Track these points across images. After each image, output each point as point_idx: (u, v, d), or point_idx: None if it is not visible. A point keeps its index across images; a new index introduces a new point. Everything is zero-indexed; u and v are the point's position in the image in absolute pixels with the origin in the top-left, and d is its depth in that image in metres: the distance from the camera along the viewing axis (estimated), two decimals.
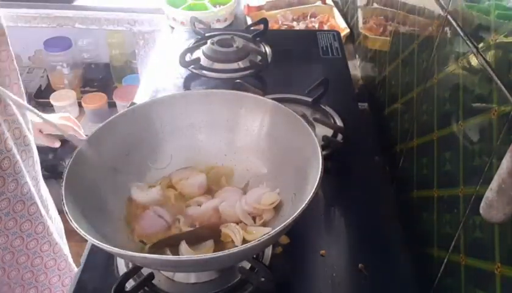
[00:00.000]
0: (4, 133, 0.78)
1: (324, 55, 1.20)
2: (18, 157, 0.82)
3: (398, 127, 0.93)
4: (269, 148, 0.74)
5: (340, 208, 0.79)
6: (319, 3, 1.54)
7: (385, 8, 1.10)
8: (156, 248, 0.63)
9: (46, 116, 1.02)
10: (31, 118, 0.92)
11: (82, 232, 0.53)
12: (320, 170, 0.59)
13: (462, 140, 0.62)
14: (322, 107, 0.98)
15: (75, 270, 1.00)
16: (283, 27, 1.43)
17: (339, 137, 0.89)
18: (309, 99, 0.98)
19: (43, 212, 0.89)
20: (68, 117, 1.04)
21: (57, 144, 1.03)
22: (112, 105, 1.84)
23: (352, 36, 1.40)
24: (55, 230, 0.95)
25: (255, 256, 0.64)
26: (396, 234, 0.75)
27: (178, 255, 0.62)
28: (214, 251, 0.63)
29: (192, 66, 1.10)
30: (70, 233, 1.48)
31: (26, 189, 0.83)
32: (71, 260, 1.00)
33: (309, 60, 1.19)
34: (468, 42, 0.63)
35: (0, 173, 0.78)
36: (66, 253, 0.98)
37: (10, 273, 0.87)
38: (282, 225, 0.53)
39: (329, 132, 0.89)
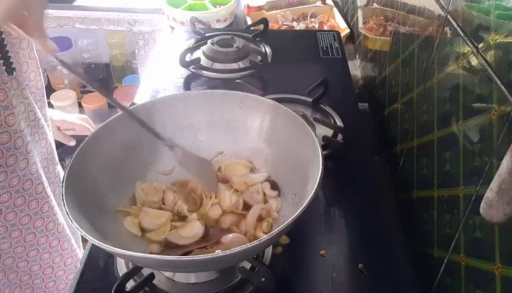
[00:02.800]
0: (19, 114, 0.81)
1: (324, 55, 1.20)
2: (30, 138, 0.85)
3: (398, 127, 0.93)
4: (269, 148, 0.74)
5: (340, 208, 0.79)
6: (319, 3, 1.55)
7: (385, 8, 1.10)
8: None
9: (66, 115, 1.08)
10: (50, 115, 0.97)
11: (82, 232, 0.53)
12: (320, 170, 0.59)
13: (462, 140, 0.62)
14: (322, 107, 0.98)
15: (77, 251, 1.03)
16: (283, 27, 1.43)
17: (339, 137, 0.89)
18: (309, 99, 0.98)
19: (49, 191, 0.91)
20: (86, 119, 1.11)
21: (72, 142, 1.08)
22: (112, 105, 1.83)
23: (352, 36, 1.40)
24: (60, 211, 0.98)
25: (255, 256, 0.64)
26: (396, 234, 0.75)
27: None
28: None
29: (192, 66, 1.10)
30: None
31: (34, 169, 0.86)
32: (73, 241, 1.02)
33: (309, 60, 1.19)
34: (468, 42, 0.63)
35: (13, 151, 0.81)
36: (69, 233, 1.00)
37: (16, 249, 0.90)
38: (282, 225, 0.53)
39: (329, 132, 0.89)
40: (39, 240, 0.92)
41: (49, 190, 0.91)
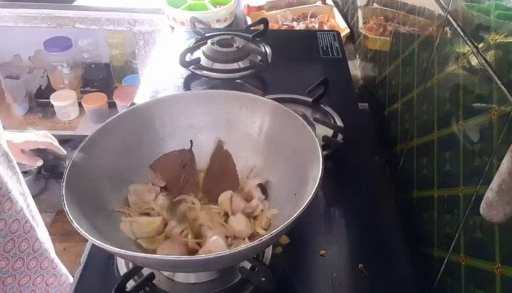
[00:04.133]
0: None
1: (324, 55, 1.20)
2: (5, 175, 0.80)
3: (398, 127, 0.93)
4: (269, 148, 0.74)
5: (340, 208, 0.79)
6: (319, 3, 1.55)
7: (385, 8, 1.10)
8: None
9: (26, 135, 0.96)
10: (10, 139, 0.89)
11: (83, 232, 0.53)
12: (320, 170, 0.59)
13: (462, 140, 0.62)
14: (322, 107, 0.98)
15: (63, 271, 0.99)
16: (283, 27, 1.43)
17: (339, 137, 0.89)
18: (309, 99, 0.98)
19: (34, 225, 0.87)
20: (46, 134, 1.00)
21: (40, 162, 0.99)
22: (112, 105, 1.84)
23: (352, 36, 1.40)
24: (46, 243, 0.94)
25: (255, 256, 0.64)
26: (396, 234, 0.75)
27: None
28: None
29: (192, 66, 1.10)
30: (70, 233, 1.49)
31: (19, 207, 0.82)
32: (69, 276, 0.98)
33: (309, 60, 1.19)
34: (468, 42, 0.63)
35: None
36: (62, 268, 0.96)
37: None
38: (283, 225, 0.53)
39: (329, 132, 0.89)
40: (35, 280, 0.88)
41: (34, 224, 0.86)
